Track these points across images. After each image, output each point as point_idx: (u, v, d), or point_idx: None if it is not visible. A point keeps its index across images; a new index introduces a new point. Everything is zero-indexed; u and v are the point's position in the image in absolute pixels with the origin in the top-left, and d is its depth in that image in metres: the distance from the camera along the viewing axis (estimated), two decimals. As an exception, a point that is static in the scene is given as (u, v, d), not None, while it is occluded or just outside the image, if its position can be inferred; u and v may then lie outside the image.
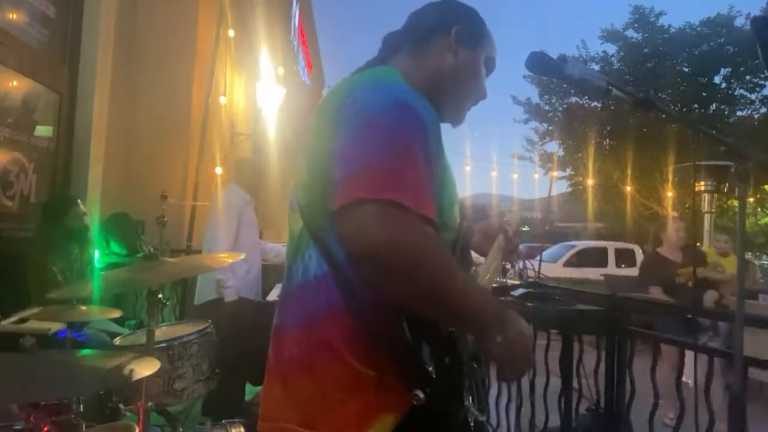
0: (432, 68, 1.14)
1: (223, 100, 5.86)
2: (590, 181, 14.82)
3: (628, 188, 15.01)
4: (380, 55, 1.20)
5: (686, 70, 14.96)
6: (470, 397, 1.04)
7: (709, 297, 4.04)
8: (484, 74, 1.21)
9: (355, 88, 1.01)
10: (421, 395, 0.90)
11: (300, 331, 1.02)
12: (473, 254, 1.32)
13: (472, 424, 1.01)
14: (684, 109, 14.35)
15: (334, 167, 0.90)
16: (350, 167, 0.88)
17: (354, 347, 0.96)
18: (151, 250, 2.40)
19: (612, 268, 13.39)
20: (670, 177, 13.17)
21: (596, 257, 14.18)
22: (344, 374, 0.95)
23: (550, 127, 16.61)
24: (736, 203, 2.71)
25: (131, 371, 1.58)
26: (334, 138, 0.94)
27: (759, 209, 18.31)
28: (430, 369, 0.92)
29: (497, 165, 17.58)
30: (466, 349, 1.01)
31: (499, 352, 0.93)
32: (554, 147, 16.97)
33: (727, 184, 4.79)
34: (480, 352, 0.97)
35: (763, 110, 15.00)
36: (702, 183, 4.77)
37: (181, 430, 2.46)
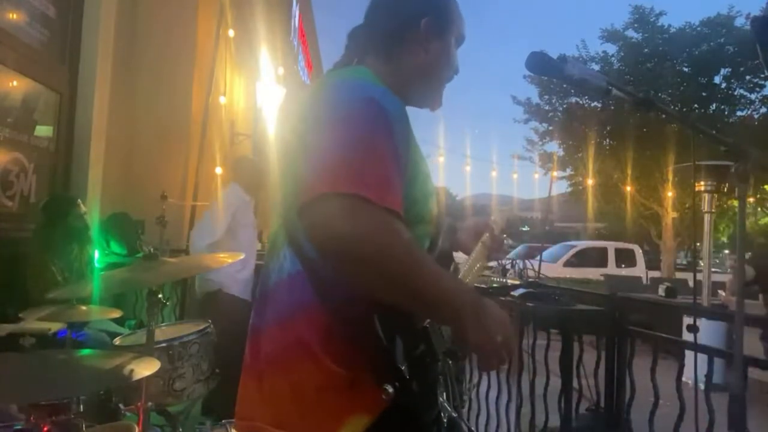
0: (406, 69, 1.13)
1: (223, 100, 5.86)
2: (590, 181, 14.83)
3: (628, 188, 15.01)
4: (349, 53, 1.18)
5: (686, 70, 14.94)
6: (444, 394, 1.04)
7: None
8: (455, 53, 1.20)
9: (324, 88, 1.03)
10: (390, 389, 0.89)
11: (275, 330, 1.02)
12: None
13: (445, 421, 1.01)
14: (684, 109, 14.32)
15: (300, 164, 0.91)
16: (314, 163, 0.89)
17: (328, 346, 0.95)
18: (151, 250, 2.40)
19: (612, 268, 13.43)
20: (670, 177, 13.18)
21: (596, 257, 14.23)
22: (318, 373, 0.95)
23: (550, 127, 16.60)
24: (736, 203, 2.70)
25: (131, 371, 1.58)
26: (301, 136, 0.95)
27: (759, 209, 18.30)
28: (403, 368, 0.91)
29: (497, 165, 17.61)
30: (441, 346, 1.01)
31: (476, 340, 0.91)
32: (554, 147, 16.97)
33: (727, 184, 4.76)
34: (457, 342, 0.96)
35: (763, 110, 14.99)
36: (702, 183, 4.74)
37: (181, 430, 2.46)
